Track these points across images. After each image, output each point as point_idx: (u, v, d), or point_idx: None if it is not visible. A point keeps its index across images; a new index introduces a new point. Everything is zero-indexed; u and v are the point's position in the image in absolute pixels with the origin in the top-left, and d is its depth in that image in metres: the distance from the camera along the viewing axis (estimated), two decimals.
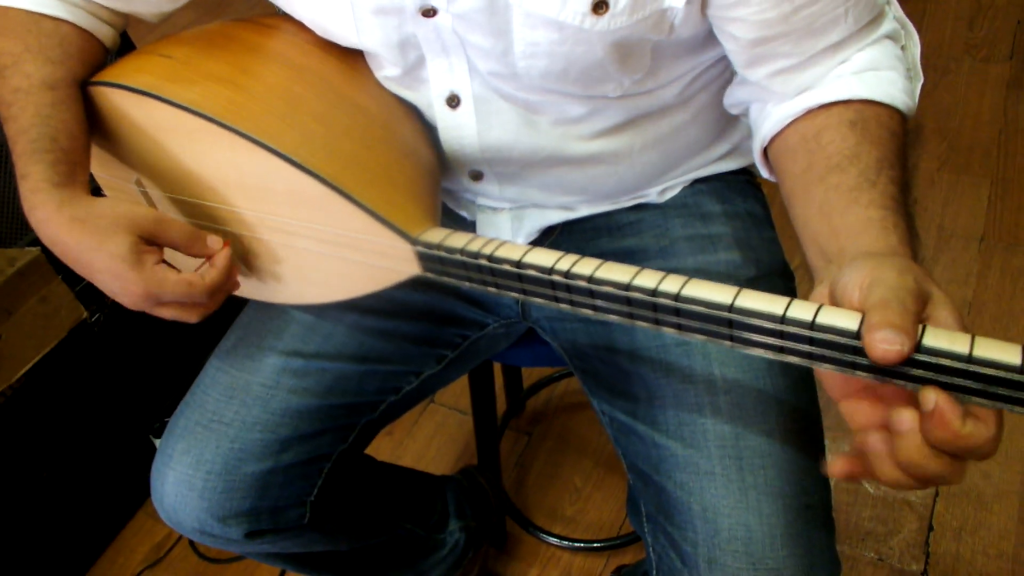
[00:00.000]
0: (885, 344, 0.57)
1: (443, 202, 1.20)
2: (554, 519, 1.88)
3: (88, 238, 0.86)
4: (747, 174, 1.18)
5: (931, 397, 0.57)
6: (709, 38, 0.91)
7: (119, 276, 0.87)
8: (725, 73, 1.01)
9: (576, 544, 1.82)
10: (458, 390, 2.15)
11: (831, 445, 1.86)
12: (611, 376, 1.07)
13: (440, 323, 1.18)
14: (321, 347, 1.10)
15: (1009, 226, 2.32)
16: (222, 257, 0.94)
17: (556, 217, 1.14)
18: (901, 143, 0.82)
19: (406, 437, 2.11)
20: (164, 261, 0.91)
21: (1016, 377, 0.54)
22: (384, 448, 2.08)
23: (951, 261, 2.26)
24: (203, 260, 0.95)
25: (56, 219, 0.87)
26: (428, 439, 2.10)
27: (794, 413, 0.96)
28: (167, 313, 0.92)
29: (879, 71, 0.85)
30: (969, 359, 0.55)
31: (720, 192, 1.13)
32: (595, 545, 1.82)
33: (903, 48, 0.90)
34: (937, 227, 2.35)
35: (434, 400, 2.19)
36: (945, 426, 0.57)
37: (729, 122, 1.10)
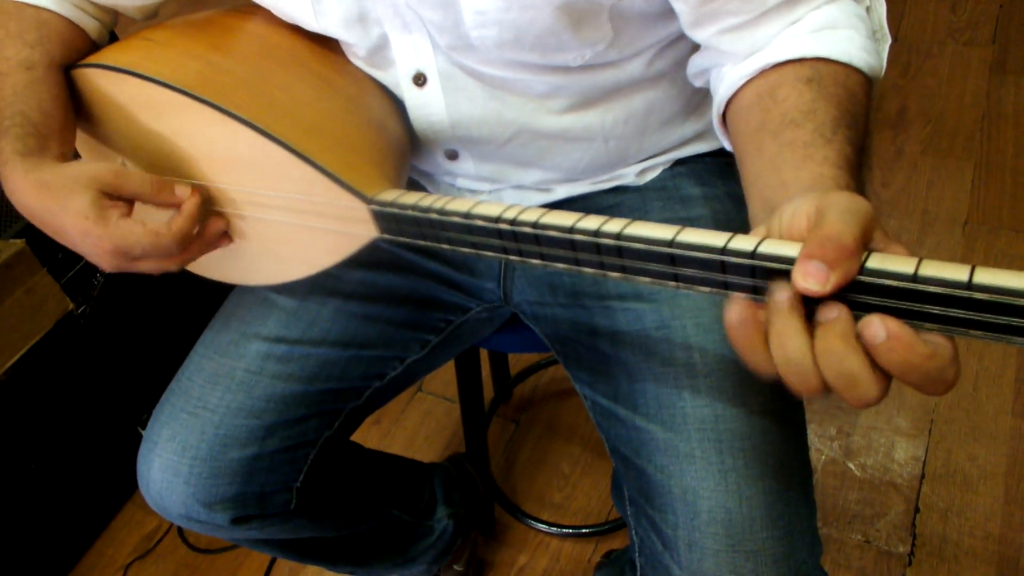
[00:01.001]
0: (803, 279, 0.54)
1: (421, 184, 1.21)
2: (542, 505, 1.89)
3: (52, 200, 0.87)
4: (727, 155, 1.18)
5: (880, 328, 0.54)
6: (671, 8, 0.90)
7: (87, 234, 0.87)
8: (696, 48, 1.02)
9: (564, 530, 1.83)
10: (445, 378, 2.16)
11: (814, 427, 1.88)
12: (592, 360, 1.08)
13: (423, 307, 1.18)
14: (305, 333, 1.10)
15: (993, 209, 2.33)
16: (190, 204, 0.93)
17: (535, 200, 1.14)
18: (861, 104, 0.80)
19: (394, 425, 2.11)
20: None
21: (965, 294, 0.52)
22: (372, 436, 2.09)
23: (935, 244, 2.26)
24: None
25: (23, 186, 0.88)
26: (416, 427, 2.11)
27: (774, 395, 0.96)
28: (146, 266, 0.92)
29: (836, 29, 0.82)
30: (914, 278, 0.53)
31: (699, 175, 1.13)
32: (583, 531, 1.83)
33: (868, 10, 0.87)
34: (921, 211, 2.36)
35: (421, 388, 2.19)
36: (907, 348, 0.53)
37: (705, 98, 1.10)
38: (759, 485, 0.91)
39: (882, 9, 0.89)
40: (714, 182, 1.13)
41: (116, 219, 0.88)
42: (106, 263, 0.90)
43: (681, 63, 1.01)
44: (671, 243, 0.64)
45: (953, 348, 0.55)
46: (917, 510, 1.73)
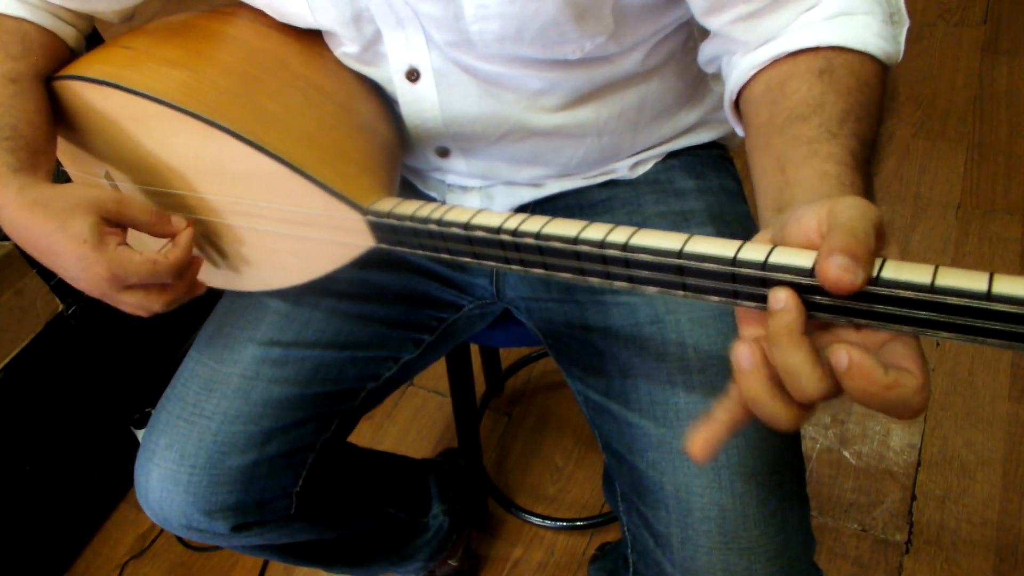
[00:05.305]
0: (840, 270, 0.52)
1: (412, 183, 1.20)
2: (536, 499, 1.89)
3: (49, 221, 0.85)
4: (720, 148, 1.18)
5: (843, 356, 0.53)
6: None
7: (82, 258, 0.86)
8: (689, 41, 1.00)
9: (559, 523, 1.83)
10: (437, 373, 2.14)
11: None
12: (585, 355, 1.07)
13: (416, 306, 1.18)
14: (299, 335, 1.09)
15: (986, 192, 2.33)
16: (185, 236, 0.93)
17: (526, 195, 1.13)
18: (874, 93, 0.78)
19: (386, 421, 2.11)
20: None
21: (983, 305, 0.51)
22: (364, 432, 2.08)
23: (929, 229, 2.26)
24: (166, 242, 0.94)
25: (16, 203, 0.86)
26: (408, 423, 2.10)
27: None
28: (131, 299, 0.91)
29: (852, 16, 0.80)
30: (932, 289, 0.52)
31: (693, 167, 1.13)
32: (577, 523, 1.82)
33: None
34: (914, 195, 2.35)
35: (413, 383, 2.19)
36: (867, 378, 0.53)
37: (697, 91, 1.09)
38: (752, 482, 0.90)
39: None
40: (707, 175, 1.12)
41: (115, 246, 0.87)
42: (97, 289, 0.89)
43: (675, 57, 1.01)
44: (679, 254, 0.63)
45: (922, 378, 0.54)
46: (914, 498, 1.73)
